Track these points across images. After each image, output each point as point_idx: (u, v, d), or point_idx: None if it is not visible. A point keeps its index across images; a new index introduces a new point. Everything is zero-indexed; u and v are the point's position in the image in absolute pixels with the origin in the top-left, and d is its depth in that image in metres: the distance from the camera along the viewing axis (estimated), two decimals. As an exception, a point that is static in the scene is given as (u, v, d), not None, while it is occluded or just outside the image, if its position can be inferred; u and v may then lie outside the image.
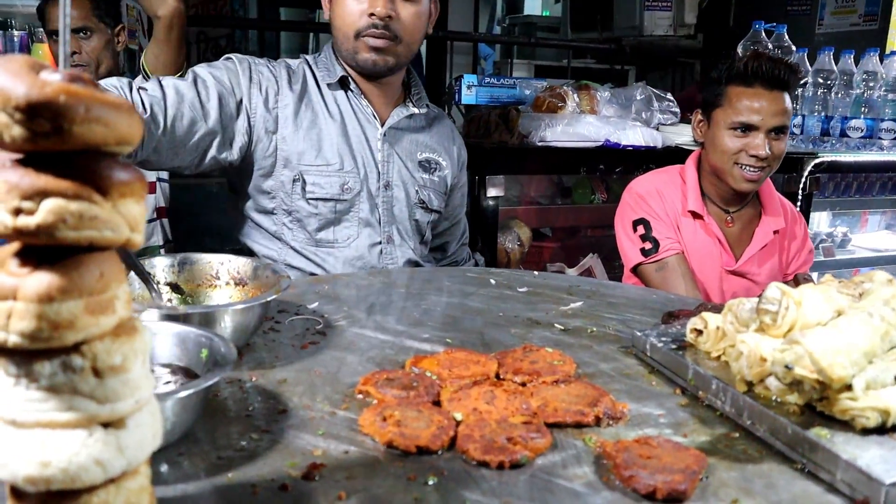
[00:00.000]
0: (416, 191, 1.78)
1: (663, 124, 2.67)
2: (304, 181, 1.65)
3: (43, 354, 0.53)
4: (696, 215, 2.01)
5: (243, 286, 1.22)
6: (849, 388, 0.83)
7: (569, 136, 2.36)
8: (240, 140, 1.61)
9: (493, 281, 1.56)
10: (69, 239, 0.52)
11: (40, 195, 0.51)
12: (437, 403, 0.94)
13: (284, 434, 0.85)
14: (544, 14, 8.33)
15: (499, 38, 7.09)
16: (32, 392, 0.53)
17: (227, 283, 1.22)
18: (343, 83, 1.72)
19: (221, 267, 1.22)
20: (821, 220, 3.29)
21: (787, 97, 1.92)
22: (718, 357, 1.04)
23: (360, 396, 0.97)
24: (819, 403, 0.87)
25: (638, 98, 2.65)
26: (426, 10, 1.69)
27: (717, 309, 1.18)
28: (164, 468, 0.77)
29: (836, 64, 2.82)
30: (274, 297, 1.08)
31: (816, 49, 2.91)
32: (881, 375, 0.84)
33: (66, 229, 0.52)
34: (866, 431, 0.82)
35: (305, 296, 1.38)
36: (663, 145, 2.54)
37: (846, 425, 0.84)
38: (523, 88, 2.58)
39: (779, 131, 1.91)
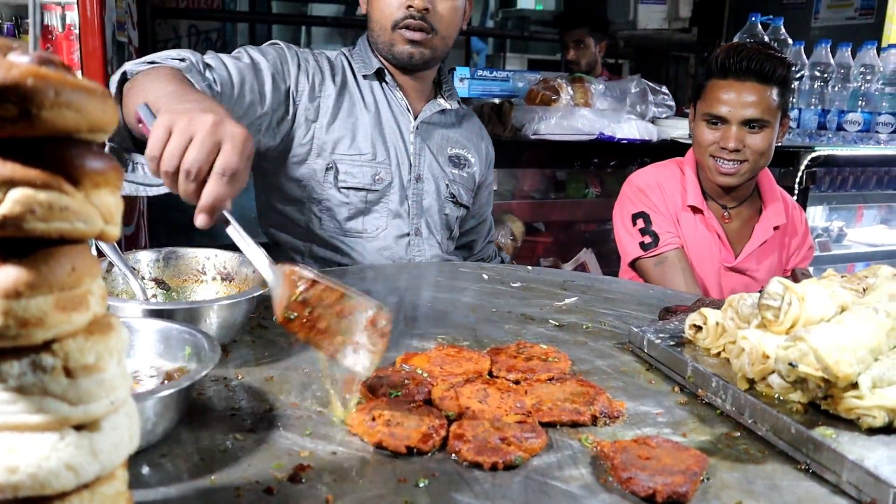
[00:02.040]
0: (447, 185, 1.78)
1: (658, 117, 2.64)
2: (336, 170, 1.65)
3: (11, 353, 0.50)
4: (695, 210, 1.98)
5: (230, 281, 1.18)
6: (854, 386, 0.81)
7: (563, 129, 2.32)
8: (284, 126, 1.61)
9: (485, 276, 1.53)
10: (38, 231, 0.49)
11: (6, 184, 0.48)
12: (428, 402, 0.92)
13: (270, 434, 0.82)
14: (537, 8, 8.29)
15: (492, 31, 7.05)
16: (1, 394, 0.50)
17: (214, 279, 1.19)
18: (379, 74, 1.72)
19: (208, 262, 1.19)
20: (817, 215, 3.28)
21: (768, 89, 1.84)
22: (718, 354, 1.02)
23: (349, 396, 0.94)
24: (823, 402, 0.84)
25: (633, 91, 2.62)
26: (462, 5, 1.69)
27: (716, 304, 1.16)
28: (145, 470, 0.74)
29: (833, 57, 2.81)
30: (261, 292, 1.05)
31: (812, 42, 2.89)
32: (888, 373, 0.81)
33: (35, 220, 0.48)
34: (873, 431, 0.80)
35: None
36: (658, 138, 2.52)
37: (852, 424, 0.82)
38: (516, 81, 2.54)
39: (754, 124, 1.85)
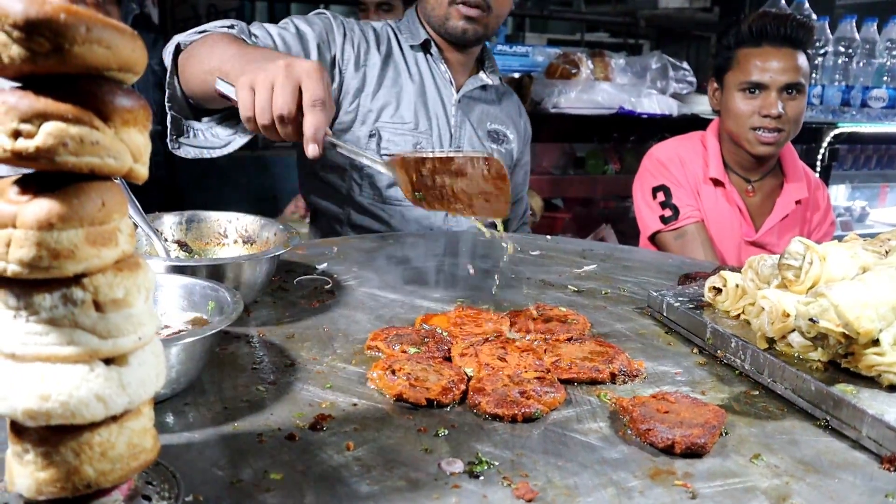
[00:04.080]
0: None
1: (679, 93, 2.61)
2: (379, 136, 1.67)
3: (43, 286, 0.51)
4: (717, 183, 1.97)
5: (251, 244, 1.20)
6: (875, 343, 0.81)
7: (583, 103, 2.31)
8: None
9: (505, 244, 1.53)
10: (69, 164, 0.50)
11: (40, 117, 0.49)
12: (447, 360, 0.92)
13: (291, 387, 0.84)
14: (557, -12, 8.18)
15: (512, 10, 6.95)
16: (32, 325, 0.52)
17: (235, 241, 1.20)
18: (425, 46, 1.74)
19: (229, 225, 1.20)
20: (839, 194, 3.22)
21: (799, 55, 1.86)
22: (737, 316, 1.02)
23: (370, 352, 0.95)
24: (844, 360, 0.84)
25: (653, 67, 2.59)
26: None
27: (735, 271, 1.15)
28: (169, 418, 0.75)
29: (859, 33, 2.75)
30: (283, 251, 1.06)
31: (837, 19, 2.83)
32: (910, 330, 0.81)
33: (67, 154, 0.49)
34: (893, 388, 0.79)
35: (314, 257, 1.36)
36: (679, 113, 2.49)
37: (872, 382, 0.82)
38: (536, 56, 2.52)
39: (792, 89, 1.86)
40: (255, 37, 1.45)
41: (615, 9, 5.71)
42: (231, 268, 1.00)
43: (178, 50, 1.32)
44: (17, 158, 0.49)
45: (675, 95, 2.58)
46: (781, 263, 0.93)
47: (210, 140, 1.36)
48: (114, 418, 0.55)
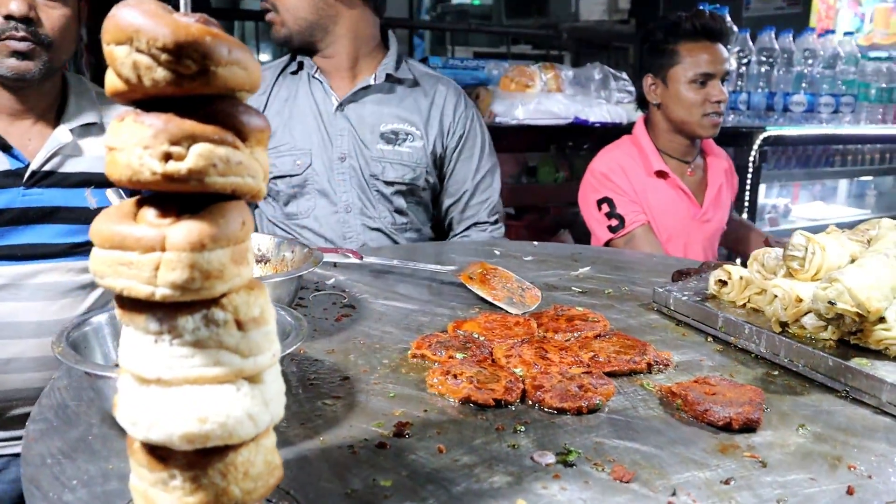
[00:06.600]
0: (368, 163, 1.78)
1: (621, 102, 2.76)
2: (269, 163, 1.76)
3: (185, 308, 0.51)
4: (660, 174, 2.13)
5: (266, 263, 1.19)
6: (882, 320, 0.91)
7: (540, 114, 2.40)
8: None
9: (497, 252, 1.58)
10: (217, 185, 0.50)
11: (189, 139, 0.49)
12: (493, 362, 0.96)
13: (356, 399, 0.85)
14: (475, 3, 8.39)
15: (439, 24, 7.07)
16: (177, 348, 0.52)
17: (249, 261, 1.19)
18: (301, 66, 1.82)
19: (241, 244, 1.19)
20: (767, 192, 3.49)
21: (725, 48, 2.13)
22: (743, 305, 1.11)
23: (415, 360, 0.97)
24: (853, 337, 0.94)
25: (596, 77, 2.73)
26: None
27: (718, 267, 1.25)
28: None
29: (777, 42, 3.00)
30: (312, 268, 1.06)
31: (752, 31, 3.07)
32: (911, 306, 0.91)
33: (216, 175, 0.50)
34: (902, 358, 0.90)
35: (319, 273, 1.36)
36: (628, 121, 2.63)
37: (880, 355, 0.92)
38: (490, 70, 2.60)
39: (724, 77, 2.11)
40: None
41: (537, 21, 5.92)
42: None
43: None
44: (166, 181, 0.50)
45: (617, 104, 2.72)
46: (786, 255, 1.03)
47: None
48: (252, 437, 0.56)
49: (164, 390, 0.51)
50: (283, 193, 1.80)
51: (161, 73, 0.48)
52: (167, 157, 0.49)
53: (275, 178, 1.79)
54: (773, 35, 2.94)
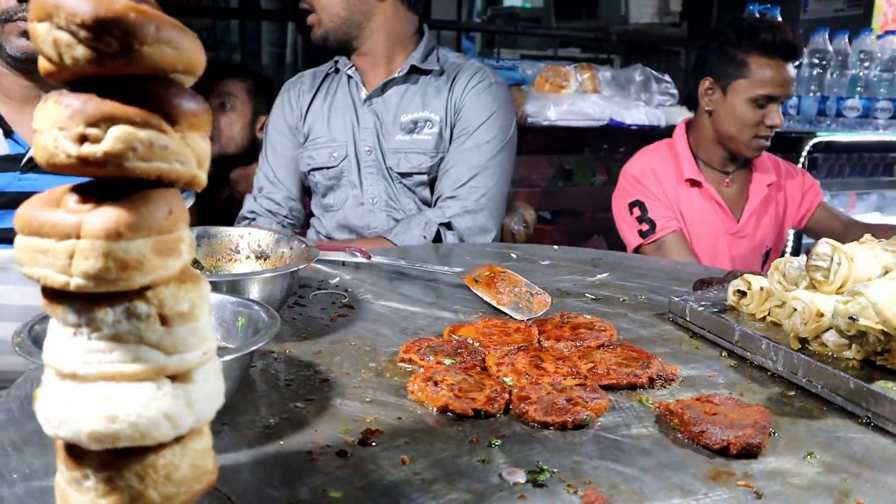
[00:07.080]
0: (384, 155, 1.81)
1: (662, 105, 2.66)
2: (308, 156, 1.89)
3: (105, 300, 0.49)
4: (693, 183, 2.03)
5: (265, 259, 1.17)
6: (912, 339, 0.82)
7: (574, 115, 2.33)
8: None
9: (513, 255, 1.52)
10: (138, 170, 0.47)
11: (107, 121, 0.46)
12: (483, 370, 0.91)
13: (331, 402, 0.81)
14: (525, 6, 8.32)
15: (484, 26, 7.04)
16: (94, 342, 0.49)
17: (248, 257, 1.17)
18: (338, 64, 1.91)
19: (241, 240, 1.17)
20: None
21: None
22: (763, 318, 1.02)
23: (403, 365, 0.93)
24: (879, 357, 0.85)
25: (637, 80, 2.64)
26: None
27: (742, 275, 1.17)
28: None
29: (831, 44, 2.84)
30: (304, 265, 1.03)
31: (808, 33, 2.92)
32: (946, 325, 0.82)
33: (136, 159, 0.47)
34: (933, 382, 0.80)
35: (325, 271, 1.34)
36: (667, 124, 2.53)
37: (909, 378, 0.82)
38: (525, 70, 2.55)
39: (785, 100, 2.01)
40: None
41: (587, 24, 5.81)
42: (251, 284, 0.97)
43: None
44: (82, 165, 0.47)
45: (658, 107, 2.62)
46: (809, 265, 0.94)
47: None
48: (177, 439, 0.52)
49: (78, 386, 0.49)
50: (321, 185, 1.87)
51: (81, 51, 0.46)
52: (83, 139, 0.46)
53: (313, 169, 1.87)
54: (826, 36, 2.78)
